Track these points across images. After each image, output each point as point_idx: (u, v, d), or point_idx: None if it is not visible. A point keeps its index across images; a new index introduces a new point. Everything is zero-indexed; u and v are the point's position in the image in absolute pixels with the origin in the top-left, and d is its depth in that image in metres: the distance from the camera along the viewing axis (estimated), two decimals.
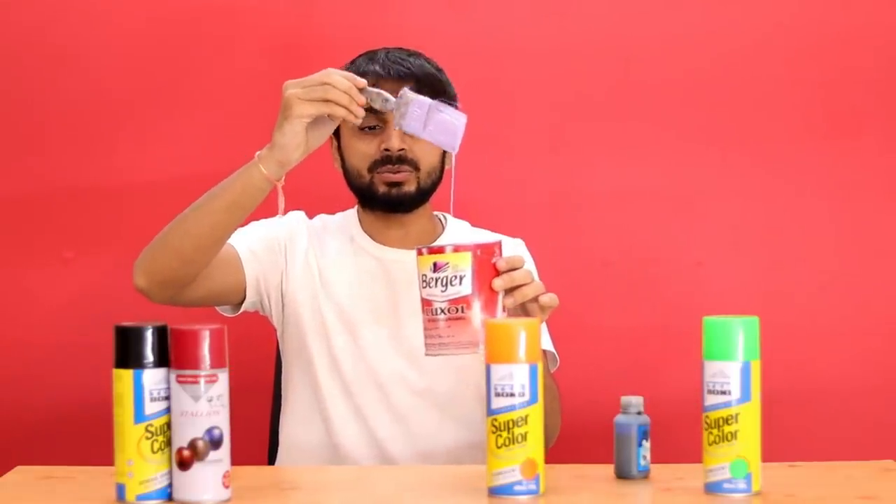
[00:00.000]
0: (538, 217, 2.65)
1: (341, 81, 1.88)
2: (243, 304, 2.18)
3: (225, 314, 2.19)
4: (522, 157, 2.70)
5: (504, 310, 1.77)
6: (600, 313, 2.66)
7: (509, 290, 1.78)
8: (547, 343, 2.14)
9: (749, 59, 2.70)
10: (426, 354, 1.77)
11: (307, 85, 1.88)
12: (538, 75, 2.70)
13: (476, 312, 1.72)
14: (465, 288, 1.71)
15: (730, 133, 2.70)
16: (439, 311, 1.73)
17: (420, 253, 1.75)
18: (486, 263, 1.73)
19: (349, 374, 2.15)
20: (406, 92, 1.89)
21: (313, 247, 2.20)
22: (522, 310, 1.84)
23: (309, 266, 2.19)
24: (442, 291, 1.72)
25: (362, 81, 1.90)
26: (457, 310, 1.72)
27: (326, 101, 1.88)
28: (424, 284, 1.74)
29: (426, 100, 1.88)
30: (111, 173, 2.69)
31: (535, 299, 1.82)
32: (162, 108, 2.70)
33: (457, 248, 1.73)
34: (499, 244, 1.78)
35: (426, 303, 1.75)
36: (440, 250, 1.73)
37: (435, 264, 1.72)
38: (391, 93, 1.99)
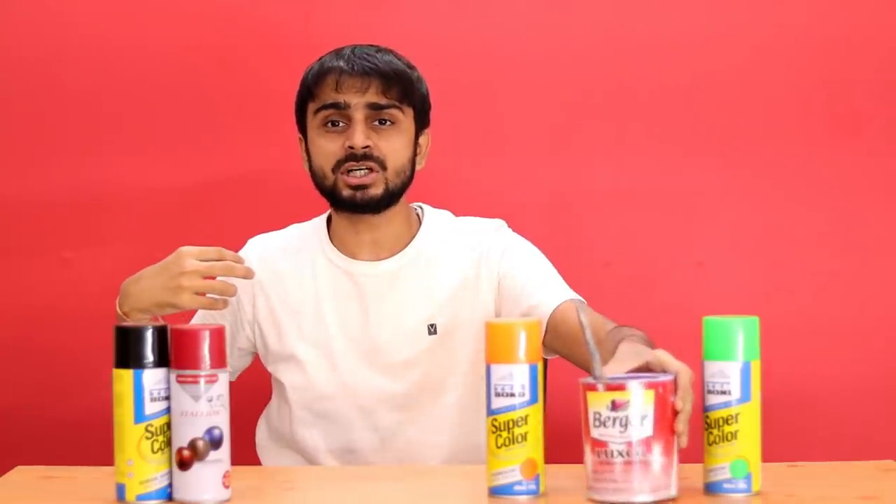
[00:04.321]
0: (538, 217, 2.64)
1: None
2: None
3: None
4: (522, 158, 2.69)
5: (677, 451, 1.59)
6: (600, 313, 2.66)
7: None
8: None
9: (749, 60, 2.70)
10: (594, 500, 1.58)
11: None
12: (538, 76, 2.70)
13: (657, 456, 1.55)
14: (647, 429, 1.55)
15: (730, 133, 2.70)
16: (615, 453, 1.55)
17: (593, 388, 1.56)
18: (666, 401, 1.56)
19: (326, 397, 2.12)
20: None
21: (264, 287, 2.15)
22: None
23: (268, 306, 2.15)
24: (620, 432, 1.54)
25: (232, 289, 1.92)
26: (637, 453, 1.54)
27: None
28: (598, 423, 1.55)
29: None
30: (111, 174, 2.69)
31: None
32: (162, 108, 2.69)
33: (641, 386, 1.55)
34: (674, 380, 1.59)
35: (598, 443, 1.56)
36: (620, 387, 1.55)
37: (614, 402, 1.55)
38: (355, 89, 2.04)
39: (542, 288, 2.08)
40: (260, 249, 2.17)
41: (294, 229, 2.22)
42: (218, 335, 1.58)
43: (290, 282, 2.14)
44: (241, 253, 2.15)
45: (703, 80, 2.69)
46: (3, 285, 2.69)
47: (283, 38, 2.69)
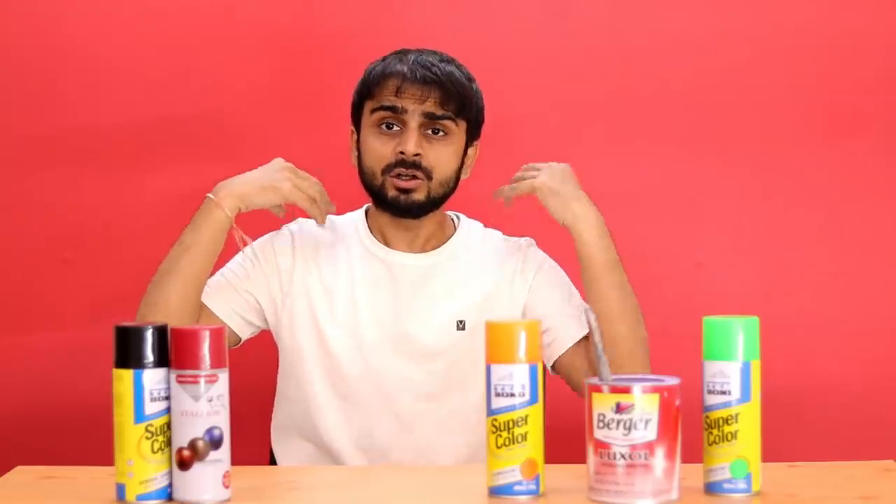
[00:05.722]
0: (538, 217, 2.64)
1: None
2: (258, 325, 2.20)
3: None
4: (522, 158, 2.69)
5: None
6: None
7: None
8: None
9: (749, 60, 2.70)
10: (595, 501, 1.57)
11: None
12: (539, 76, 2.71)
13: (659, 460, 1.55)
14: (651, 433, 1.55)
15: (730, 133, 2.70)
16: (618, 455, 1.55)
17: (598, 389, 1.56)
18: (671, 406, 1.56)
19: (350, 383, 2.13)
20: None
21: (305, 259, 2.17)
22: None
23: (305, 280, 2.16)
24: (624, 435, 1.54)
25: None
26: (640, 456, 1.54)
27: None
28: (602, 425, 1.55)
29: None
30: (111, 174, 2.69)
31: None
32: (162, 108, 2.70)
33: (645, 390, 1.55)
34: (680, 385, 1.59)
35: (601, 445, 1.56)
36: (625, 389, 1.55)
37: (618, 404, 1.55)
38: (415, 98, 2.08)
39: (566, 320, 2.14)
40: (299, 229, 2.21)
41: (332, 217, 2.24)
42: (218, 335, 1.58)
43: (326, 264, 2.17)
44: (283, 229, 2.21)
45: (703, 80, 2.70)
46: (3, 285, 2.69)
47: (285, 38, 2.69)
